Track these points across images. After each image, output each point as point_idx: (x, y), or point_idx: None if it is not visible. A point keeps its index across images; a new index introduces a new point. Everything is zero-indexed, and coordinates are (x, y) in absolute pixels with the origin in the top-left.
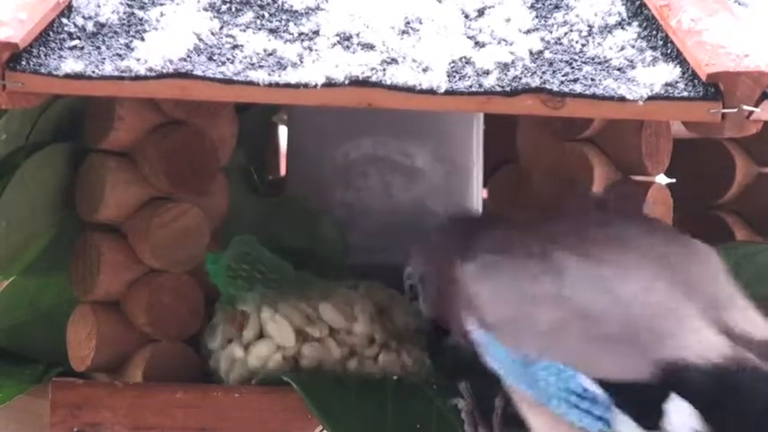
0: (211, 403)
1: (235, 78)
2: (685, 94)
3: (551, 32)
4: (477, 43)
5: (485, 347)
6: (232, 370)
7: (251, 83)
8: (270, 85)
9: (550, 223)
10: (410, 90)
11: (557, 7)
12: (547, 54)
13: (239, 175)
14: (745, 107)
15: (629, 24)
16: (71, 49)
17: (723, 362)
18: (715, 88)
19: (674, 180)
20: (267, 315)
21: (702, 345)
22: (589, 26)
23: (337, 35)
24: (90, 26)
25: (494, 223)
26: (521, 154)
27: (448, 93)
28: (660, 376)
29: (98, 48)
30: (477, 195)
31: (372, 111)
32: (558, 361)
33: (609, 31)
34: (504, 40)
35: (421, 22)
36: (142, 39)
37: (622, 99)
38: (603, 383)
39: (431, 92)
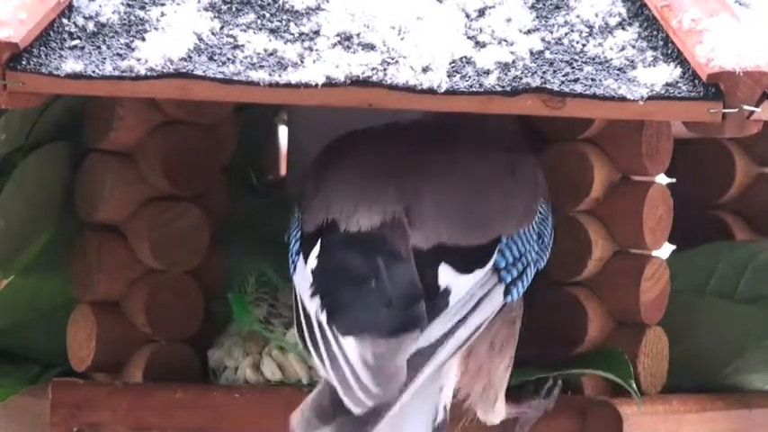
0: (211, 403)
1: (235, 78)
2: (686, 94)
3: (552, 33)
4: (477, 43)
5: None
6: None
7: (251, 83)
8: (270, 85)
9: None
10: (411, 90)
11: (557, 7)
12: (547, 54)
13: (239, 175)
14: (746, 107)
15: (630, 25)
16: (71, 48)
17: (360, 232)
18: (715, 88)
19: (674, 180)
20: (289, 356)
21: (362, 220)
22: (590, 26)
23: (338, 35)
24: (90, 26)
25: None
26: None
27: (448, 93)
28: (321, 228)
29: (98, 48)
30: None
31: (373, 111)
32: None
33: (609, 32)
34: (505, 41)
35: (421, 22)
36: (143, 39)
37: (623, 99)
38: (301, 232)
39: (431, 92)
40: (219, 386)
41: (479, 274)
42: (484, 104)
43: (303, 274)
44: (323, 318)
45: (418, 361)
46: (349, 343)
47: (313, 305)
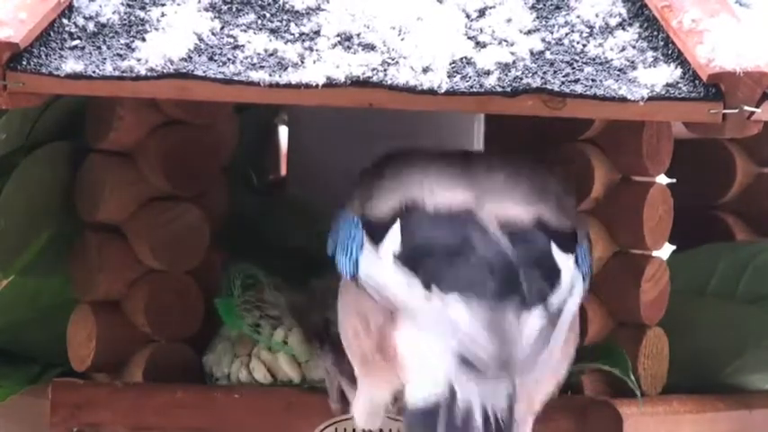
0: (211, 403)
1: (235, 78)
2: (686, 94)
3: (552, 33)
4: (477, 43)
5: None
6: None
7: (252, 83)
8: (270, 85)
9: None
10: (411, 90)
11: (557, 8)
12: (548, 54)
13: (239, 175)
14: (746, 108)
15: (630, 25)
16: (72, 49)
17: (450, 210)
18: (716, 89)
19: (674, 180)
20: (279, 356)
21: (446, 198)
22: (590, 27)
23: (338, 35)
24: (91, 26)
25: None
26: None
27: (448, 93)
28: (399, 211)
29: (99, 48)
30: None
31: (373, 111)
32: (355, 213)
33: (610, 32)
34: (505, 41)
35: (421, 23)
36: (143, 39)
37: (623, 100)
38: (366, 224)
39: (431, 92)
40: (219, 386)
41: (572, 258)
42: (484, 105)
43: (377, 264)
44: (420, 292)
45: (543, 334)
46: (459, 308)
47: (406, 284)
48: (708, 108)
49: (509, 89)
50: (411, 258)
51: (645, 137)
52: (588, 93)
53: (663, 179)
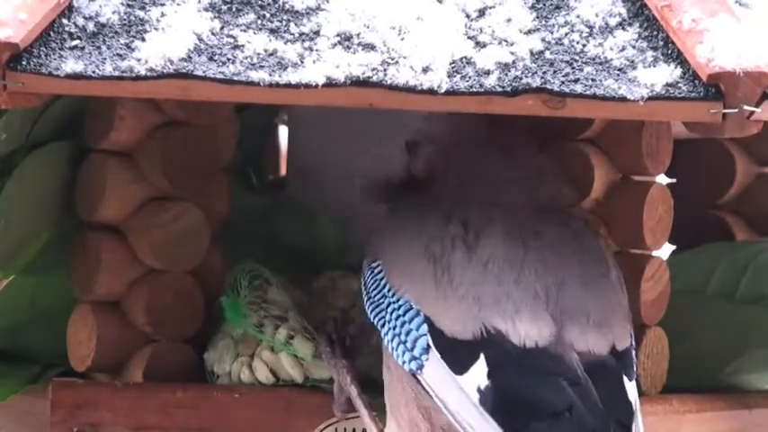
0: (211, 403)
1: (235, 78)
2: (686, 94)
3: (552, 33)
4: (477, 43)
5: (366, 275)
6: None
7: (251, 83)
8: (270, 85)
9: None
10: (411, 90)
11: (557, 8)
12: (547, 54)
13: (239, 175)
14: (746, 107)
15: (630, 25)
16: (72, 49)
17: (536, 346)
18: (716, 89)
19: (674, 180)
20: (281, 356)
21: (531, 330)
22: (590, 27)
23: (338, 35)
24: (90, 26)
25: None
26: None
27: (448, 93)
28: (482, 339)
29: (98, 48)
30: None
31: (373, 111)
32: (411, 300)
33: (610, 32)
34: (505, 41)
35: (421, 23)
36: (143, 39)
37: (623, 99)
38: (432, 328)
39: (431, 92)
40: (219, 386)
41: (635, 382)
42: (484, 105)
43: (455, 391)
44: None
45: None
46: None
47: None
48: (708, 108)
49: (509, 89)
50: (500, 411)
51: (645, 137)
52: (588, 92)
53: (663, 179)
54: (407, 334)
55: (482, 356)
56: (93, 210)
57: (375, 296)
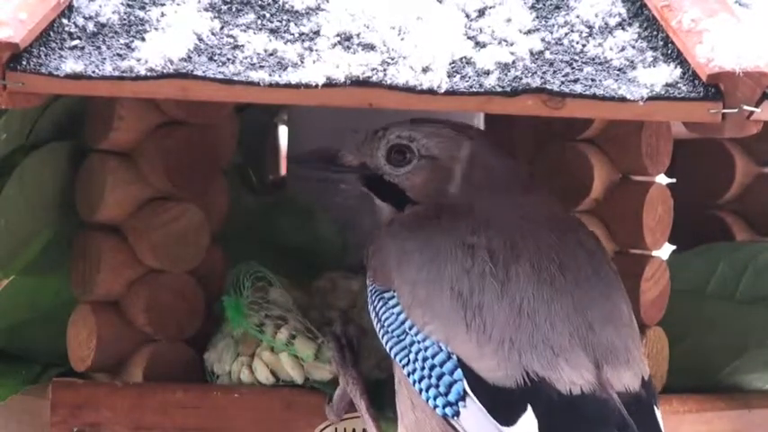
0: (211, 403)
1: (235, 78)
2: (686, 94)
3: (552, 33)
4: (477, 43)
5: (377, 304)
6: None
7: (251, 83)
8: (270, 85)
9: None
10: (411, 90)
11: (557, 8)
12: (547, 54)
13: (239, 175)
14: (746, 107)
15: (630, 25)
16: (71, 49)
17: (583, 394)
18: (715, 89)
19: (674, 180)
20: (281, 356)
21: (575, 376)
22: (590, 27)
23: (338, 35)
24: (90, 26)
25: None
26: (521, 154)
27: (448, 93)
28: (526, 387)
29: (98, 48)
30: None
31: (373, 111)
32: (440, 342)
33: (609, 32)
34: (505, 41)
35: (421, 23)
36: (143, 39)
37: (623, 99)
38: (468, 374)
39: (431, 92)
40: (219, 386)
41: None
42: (484, 105)
43: None
44: None
45: None
46: None
47: None
48: (707, 108)
49: (509, 89)
50: None
51: (644, 137)
52: (588, 92)
53: (663, 179)
54: (439, 378)
55: (529, 407)
56: (93, 210)
57: (394, 331)
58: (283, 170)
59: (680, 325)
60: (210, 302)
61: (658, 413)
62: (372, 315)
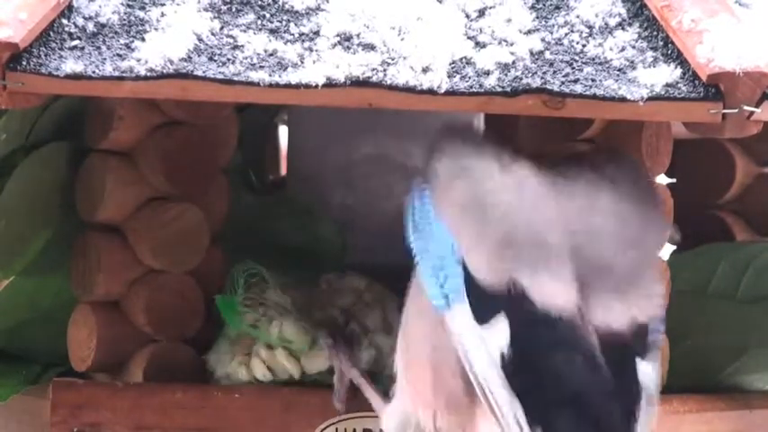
0: (211, 403)
1: (235, 79)
2: (686, 94)
3: (552, 33)
4: (477, 44)
5: (414, 204)
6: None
7: (251, 83)
8: (270, 85)
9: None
10: (410, 90)
11: (557, 8)
12: (547, 54)
13: (239, 175)
14: (746, 107)
15: (630, 25)
16: (71, 49)
17: (559, 317)
18: (715, 89)
19: (674, 180)
20: (277, 352)
21: (555, 295)
22: (590, 27)
23: (338, 35)
24: (90, 26)
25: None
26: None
27: (448, 93)
28: (506, 294)
29: (98, 48)
30: None
31: (373, 111)
32: (451, 231)
33: (609, 32)
34: (505, 41)
35: (421, 23)
36: (142, 39)
37: (623, 99)
38: (469, 279)
39: (431, 92)
40: (219, 386)
41: (655, 365)
42: (484, 105)
43: (480, 348)
44: (521, 419)
45: None
46: None
47: (509, 404)
48: (707, 108)
49: (509, 89)
50: (519, 384)
51: (645, 137)
52: (588, 93)
53: (663, 179)
54: (442, 269)
55: (504, 316)
56: (93, 210)
57: (420, 223)
58: (283, 170)
59: (680, 325)
60: (210, 302)
61: (643, 366)
62: (409, 213)
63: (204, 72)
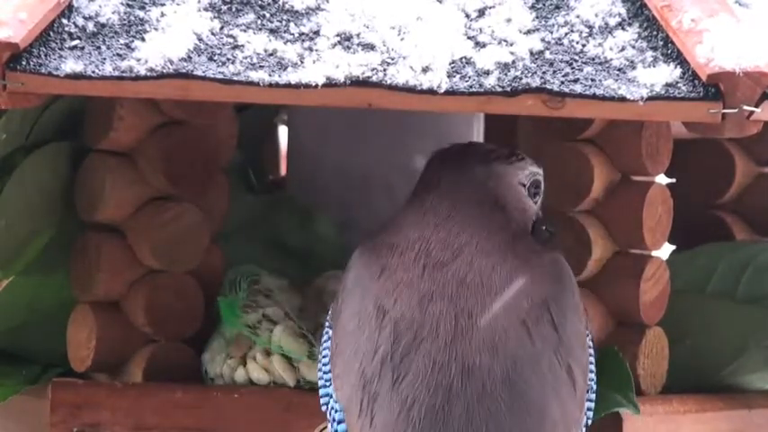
0: (211, 403)
1: (235, 78)
2: (686, 94)
3: (552, 33)
4: (477, 43)
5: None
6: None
7: (251, 83)
8: (270, 85)
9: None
10: (410, 90)
11: (557, 7)
12: (547, 54)
13: (239, 175)
14: (746, 107)
15: (630, 25)
16: (71, 49)
17: None
18: (715, 89)
19: (674, 180)
20: (274, 358)
21: None
22: (589, 26)
23: (338, 35)
24: (90, 26)
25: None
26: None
27: (448, 93)
28: None
29: (98, 48)
30: None
31: (373, 111)
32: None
33: (609, 32)
34: (505, 41)
35: (421, 23)
36: (142, 39)
37: (623, 99)
38: None
39: (431, 92)
40: (219, 386)
41: None
42: (484, 105)
43: None
44: None
45: None
46: None
47: None
48: (707, 108)
49: (509, 89)
50: None
51: (644, 137)
52: (588, 92)
53: (663, 179)
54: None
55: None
56: (93, 210)
57: (323, 374)
58: (283, 170)
59: (680, 325)
60: (210, 302)
61: None
62: (319, 345)
63: (204, 72)
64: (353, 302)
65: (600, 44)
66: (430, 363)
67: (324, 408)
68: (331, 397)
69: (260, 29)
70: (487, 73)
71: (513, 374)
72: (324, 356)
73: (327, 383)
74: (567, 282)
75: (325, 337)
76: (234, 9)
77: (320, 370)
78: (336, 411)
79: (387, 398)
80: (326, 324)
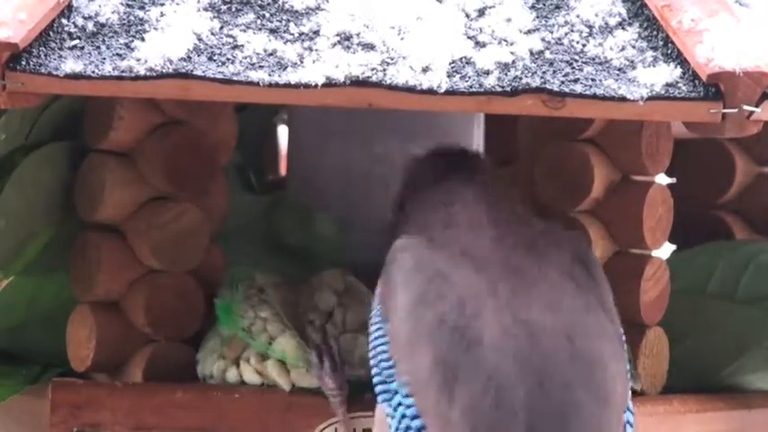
0: (211, 403)
1: (235, 78)
2: (686, 94)
3: (552, 33)
4: (477, 43)
5: (376, 332)
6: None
7: (251, 83)
8: (270, 85)
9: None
10: (410, 90)
11: (557, 7)
12: (547, 54)
13: (239, 175)
14: (746, 107)
15: (630, 25)
16: (71, 49)
17: None
18: (715, 88)
19: (674, 180)
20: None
21: None
22: (590, 26)
23: (337, 35)
24: (90, 26)
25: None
26: (521, 154)
27: (448, 93)
28: None
29: (98, 48)
30: None
31: (373, 111)
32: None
33: (609, 32)
34: (505, 41)
35: (421, 22)
36: (142, 39)
37: (623, 99)
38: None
39: (431, 92)
40: (219, 386)
41: None
42: (484, 105)
43: None
44: None
45: None
46: None
47: None
48: (707, 108)
49: (509, 89)
50: None
51: (644, 137)
52: (588, 92)
53: (663, 179)
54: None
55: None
56: (93, 210)
57: (382, 370)
58: (283, 170)
59: (680, 325)
60: (210, 302)
61: None
62: (371, 338)
63: (204, 72)
64: (413, 286)
65: (600, 44)
66: (497, 325)
67: (387, 409)
68: (396, 393)
69: (260, 29)
70: (487, 73)
71: (572, 330)
72: (381, 353)
73: (389, 379)
74: (589, 243)
75: (377, 334)
76: (234, 9)
77: (376, 366)
78: (408, 407)
79: (466, 370)
80: (375, 323)
